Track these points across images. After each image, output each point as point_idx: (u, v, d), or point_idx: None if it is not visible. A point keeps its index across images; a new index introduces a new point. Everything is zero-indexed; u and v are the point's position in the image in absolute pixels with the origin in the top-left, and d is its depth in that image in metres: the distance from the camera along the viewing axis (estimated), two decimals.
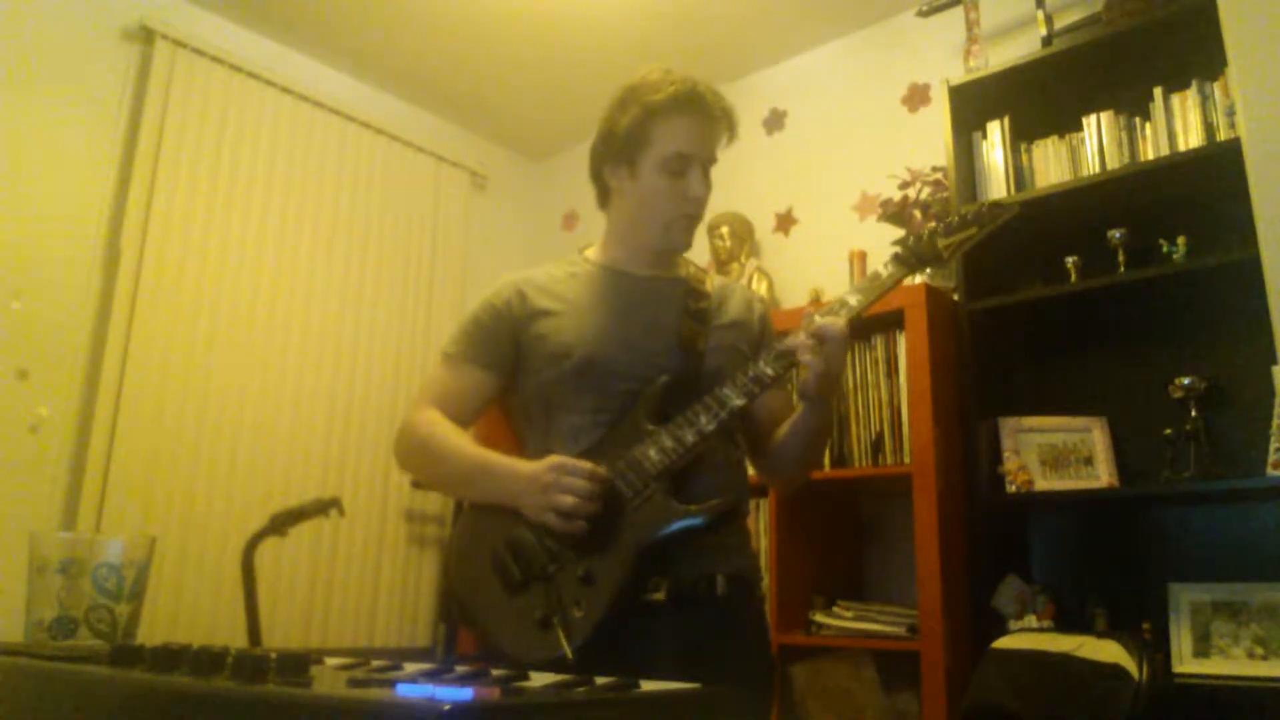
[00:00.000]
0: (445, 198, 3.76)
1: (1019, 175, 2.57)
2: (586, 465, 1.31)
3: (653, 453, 1.33)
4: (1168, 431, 2.26)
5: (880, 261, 1.47)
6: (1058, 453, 2.40)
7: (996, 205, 1.44)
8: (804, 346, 1.32)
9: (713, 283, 1.59)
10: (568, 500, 1.28)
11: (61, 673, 0.75)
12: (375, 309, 3.42)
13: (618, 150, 1.49)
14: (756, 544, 2.61)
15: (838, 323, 1.32)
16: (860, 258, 2.87)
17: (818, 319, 1.34)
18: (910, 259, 1.41)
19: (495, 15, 3.23)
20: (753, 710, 1.34)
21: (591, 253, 1.60)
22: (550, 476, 1.30)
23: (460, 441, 1.45)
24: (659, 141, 1.46)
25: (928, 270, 2.62)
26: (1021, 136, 2.61)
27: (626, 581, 1.28)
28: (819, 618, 2.53)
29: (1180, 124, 2.34)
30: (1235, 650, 2.10)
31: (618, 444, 1.37)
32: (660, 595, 1.33)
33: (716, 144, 1.52)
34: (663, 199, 1.48)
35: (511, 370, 1.51)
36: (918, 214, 2.70)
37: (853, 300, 1.37)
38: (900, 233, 2.72)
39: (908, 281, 2.66)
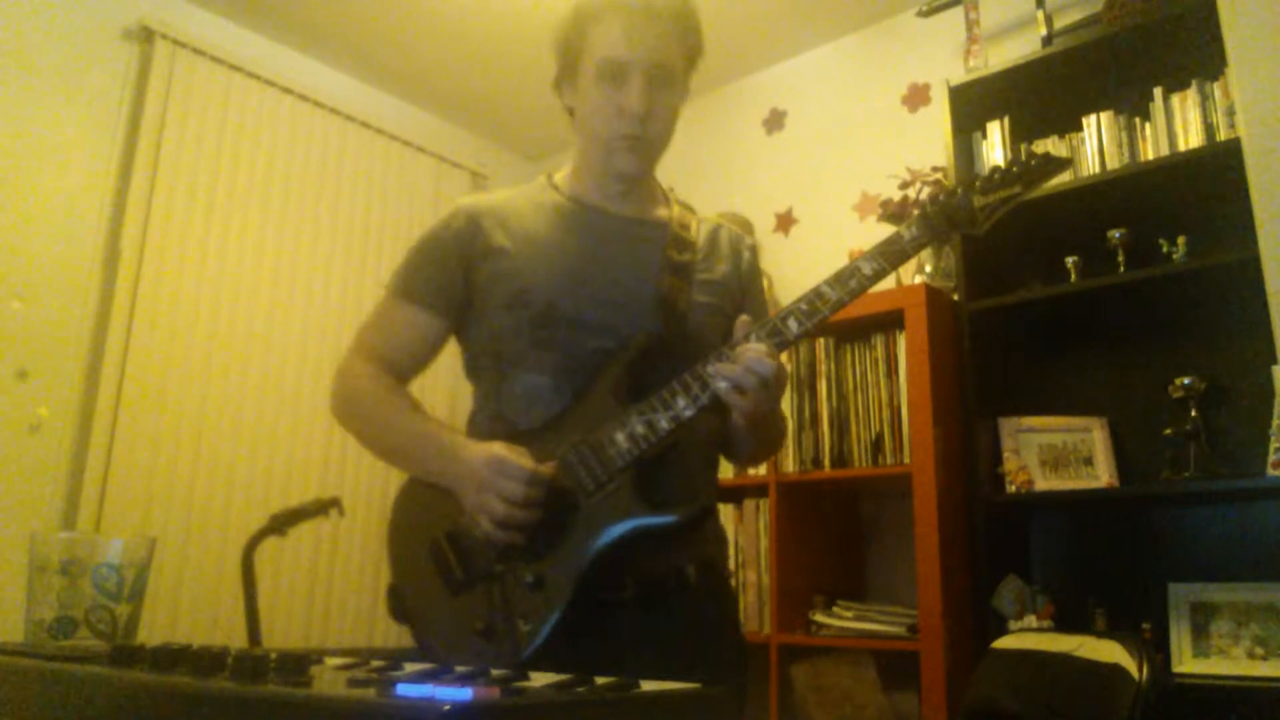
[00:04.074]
0: (445, 198, 3.75)
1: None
2: (527, 466, 1.13)
3: (620, 438, 1.15)
4: (1168, 431, 2.26)
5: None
6: (1058, 453, 2.40)
7: (1048, 156, 1.19)
8: (728, 386, 1.12)
9: (698, 228, 1.39)
10: (500, 509, 1.13)
11: (61, 673, 0.75)
12: None
13: (561, 62, 1.34)
14: (756, 544, 2.61)
15: (767, 362, 1.11)
16: (889, 273, 2.86)
17: (750, 347, 1.13)
18: (939, 221, 1.18)
19: (496, 15, 3.23)
20: (741, 707, 1.29)
21: (562, 177, 1.40)
22: (486, 474, 1.14)
23: (397, 408, 1.29)
24: (593, 47, 1.27)
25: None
26: (1021, 136, 2.61)
27: (580, 588, 1.13)
28: (819, 618, 2.53)
29: (1180, 124, 2.34)
30: (1235, 650, 2.10)
31: (581, 419, 1.19)
32: (627, 593, 1.18)
33: (666, 49, 1.27)
34: (600, 116, 1.28)
35: (462, 312, 1.33)
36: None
37: (867, 268, 1.17)
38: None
39: (907, 281, 2.70)
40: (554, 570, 1.14)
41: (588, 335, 1.24)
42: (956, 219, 1.18)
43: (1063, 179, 2.47)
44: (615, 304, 1.26)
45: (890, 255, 1.17)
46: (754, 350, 1.12)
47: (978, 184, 1.18)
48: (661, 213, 1.39)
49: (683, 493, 1.21)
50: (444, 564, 1.20)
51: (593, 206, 1.35)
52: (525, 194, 1.38)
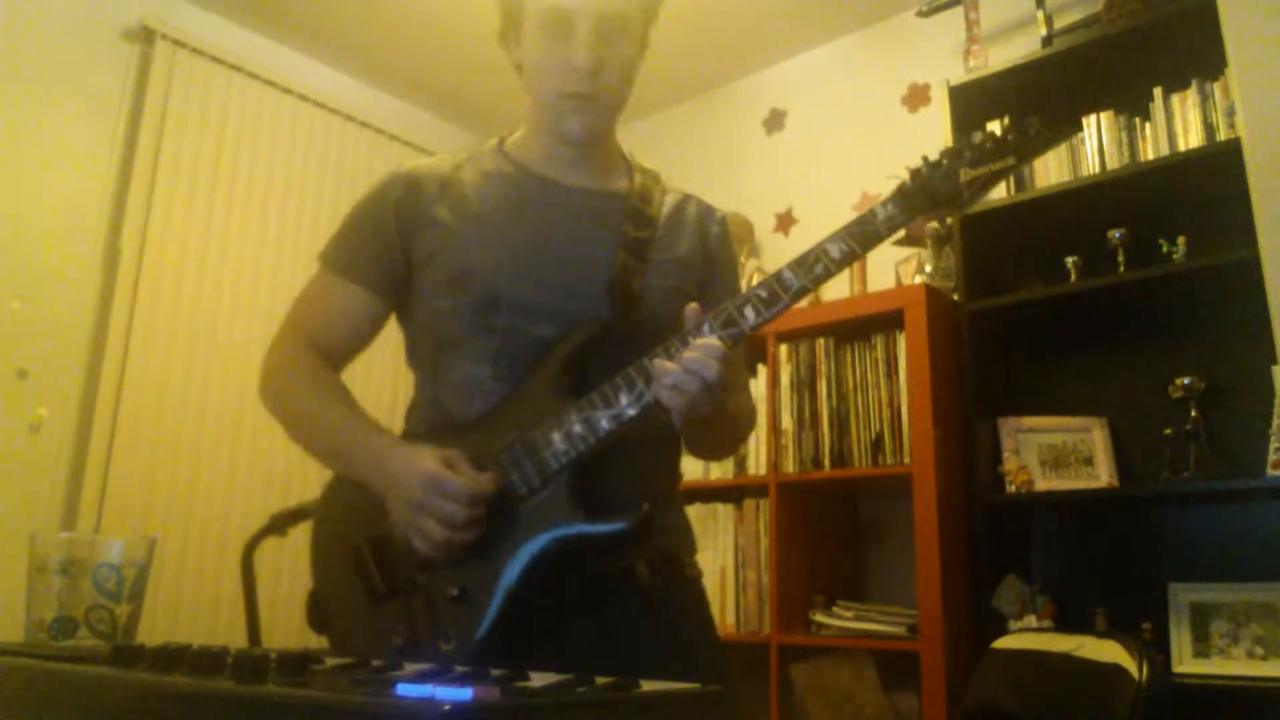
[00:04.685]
0: None
1: (1019, 175, 2.56)
2: (468, 485, 1.03)
3: (557, 438, 1.05)
4: (1168, 431, 2.26)
5: (880, 260, 1.32)
6: (1058, 453, 2.40)
7: (1050, 125, 1.03)
8: (664, 384, 1.00)
9: (662, 201, 1.26)
10: (440, 533, 1.03)
11: (61, 673, 0.75)
12: None
13: (504, 12, 1.22)
14: (756, 544, 2.61)
15: (710, 365, 0.99)
16: (860, 258, 2.86)
17: (697, 344, 1.01)
18: (918, 197, 1.04)
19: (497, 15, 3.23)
20: (737, 709, 1.24)
21: (514, 141, 1.28)
22: (421, 494, 1.03)
23: (324, 402, 1.19)
24: None
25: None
26: None
27: (508, 602, 1.03)
28: (819, 618, 2.53)
29: (1180, 124, 2.34)
30: (1235, 650, 2.10)
31: (518, 414, 1.09)
32: (568, 596, 1.08)
33: None
34: (545, 73, 1.17)
35: (401, 289, 1.22)
36: None
37: (835, 250, 1.04)
38: (900, 233, 2.71)
39: (907, 281, 2.70)
40: (480, 582, 1.04)
41: (532, 322, 1.13)
42: (939, 196, 1.04)
43: (1063, 178, 2.48)
44: (563, 288, 1.15)
45: (861, 236, 1.04)
46: (696, 350, 1.00)
47: (966, 155, 1.03)
48: (620, 183, 1.26)
49: (629, 495, 1.07)
50: (365, 572, 1.11)
51: (543, 177, 1.23)
52: (473, 160, 1.26)
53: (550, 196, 1.22)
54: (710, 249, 1.29)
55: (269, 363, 1.26)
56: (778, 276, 1.05)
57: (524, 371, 1.12)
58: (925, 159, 1.06)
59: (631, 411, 1.04)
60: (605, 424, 1.05)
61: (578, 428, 1.05)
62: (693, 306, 1.05)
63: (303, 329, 1.26)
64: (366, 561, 1.11)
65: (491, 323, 1.14)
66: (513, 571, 1.04)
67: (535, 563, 1.04)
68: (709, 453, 1.33)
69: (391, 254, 1.20)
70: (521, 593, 1.04)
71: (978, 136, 1.05)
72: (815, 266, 1.04)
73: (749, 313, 1.04)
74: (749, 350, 1.09)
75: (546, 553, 1.04)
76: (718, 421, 1.10)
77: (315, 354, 1.23)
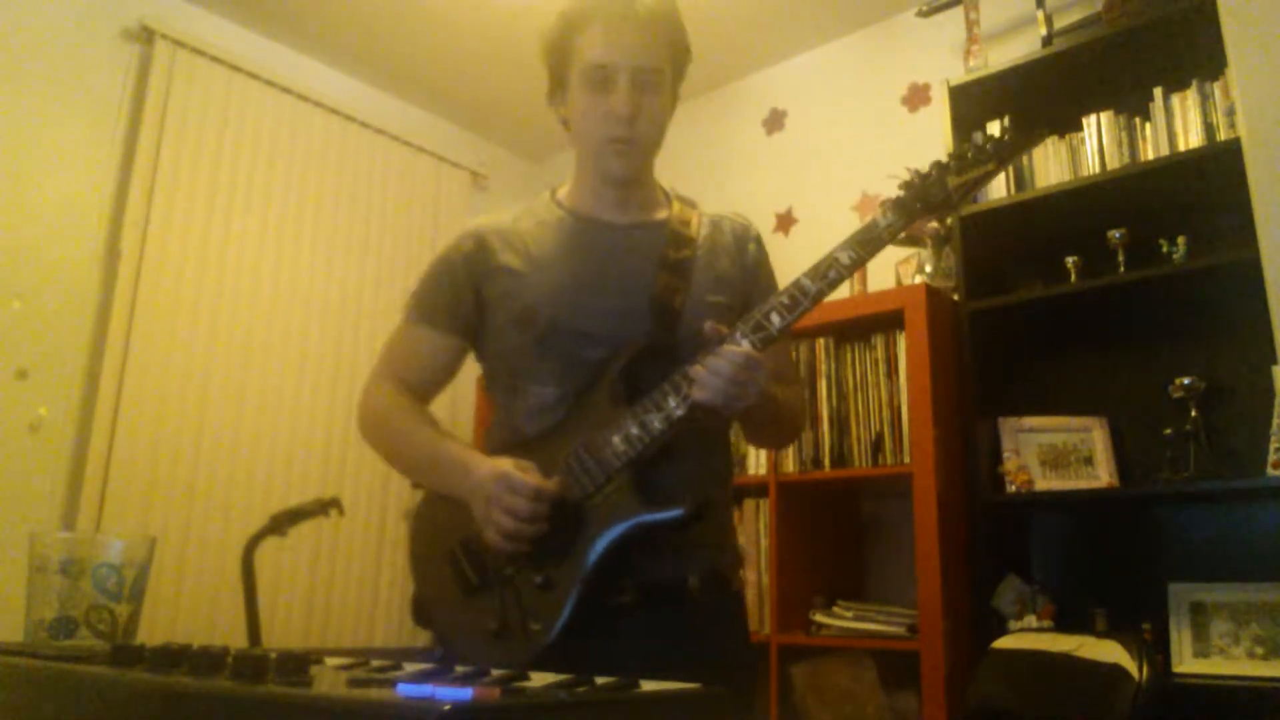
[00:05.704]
0: (445, 198, 3.76)
1: (1019, 175, 2.57)
2: (532, 483, 1.19)
3: (617, 440, 1.21)
4: (1168, 431, 2.26)
5: (880, 260, 1.40)
6: (1058, 453, 2.40)
7: (1023, 132, 1.19)
8: (697, 385, 1.17)
9: (700, 225, 1.41)
10: (507, 523, 1.18)
11: (61, 673, 0.75)
12: (375, 308, 3.42)
13: (551, 74, 1.38)
14: (756, 544, 2.61)
15: (725, 364, 1.16)
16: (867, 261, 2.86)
17: (720, 350, 1.18)
18: (913, 204, 1.21)
19: (496, 15, 3.23)
20: (746, 709, 1.30)
21: (565, 192, 1.45)
22: (493, 490, 1.20)
23: (415, 425, 1.37)
24: (578, 55, 1.31)
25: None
26: None
27: (587, 588, 1.18)
28: (819, 618, 2.53)
29: (1180, 124, 2.34)
30: (1235, 650, 2.10)
31: (581, 425, 1.26)
32: (626, 598, 1.22)
33: (651, 53, 1.31)
34: (589, 122, 1.33)
35: (475, 330, 1.40)
36: None
37: (844, 258, 1.20)
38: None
39: (907, 281, 2.70)
40: (561, 572, 1.19)
41: (588, 347, 1.29)
42: (932, 201, 1.21)
43: (1063, 178, 2.48)
44: (612, 314, 1.30)
45: (867, 244, 1.21)
46: (718, 355, 1.17)
47: (952, 164, 1.20)
48: (660, 214, 1.41)
49: (685, 491, 1.22)
50: (459, 570, 1.27)
51: (592, 219, 1.39)
52: (530, 211, 1.43)
53: (599, 235, 1.38)
54: (748, 265, 1.43)
55: (365, 404, 1.44)
56: (797, 284, 1.21)
57: (584, 390, 1.29)
58: (915, 171, 1.22)
59: (680, 412, 1.19)
60: (658, 424, 1.20)
61: (634, 430, 1.21)
62: (709, 324, 1.21)
63: (393, 372, 1.43)
64: (460, 561, 1.27)
65: (553, 351, 1.30)
66: (588, 560, 1.18)
67: (607, 551, 1.18)
68: (763, 441, 1.54)
69: (464, 301, 1.38)
70: (596, 581, 1.18)
71: (961, 147, 1.22)
72: (829, 273, 1.20)
73: (774, 318, 1.20)
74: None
75: (616, 541, 1.19)
76: (760, 413, 1.27)
77: (405, 391, 1.41)
